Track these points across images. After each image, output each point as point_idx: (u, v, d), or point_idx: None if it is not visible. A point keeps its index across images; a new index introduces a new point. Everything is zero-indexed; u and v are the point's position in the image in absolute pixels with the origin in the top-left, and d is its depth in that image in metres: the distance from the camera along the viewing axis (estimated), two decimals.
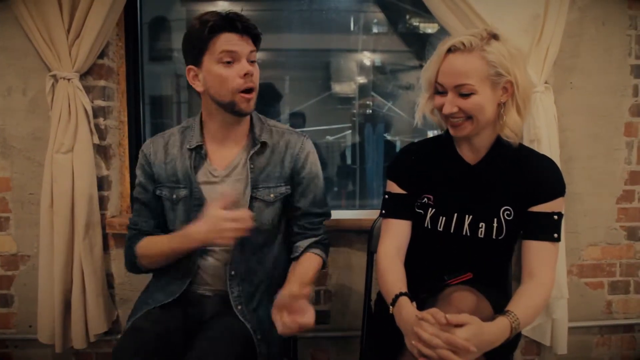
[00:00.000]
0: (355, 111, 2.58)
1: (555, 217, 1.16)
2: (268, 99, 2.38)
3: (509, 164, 1.20)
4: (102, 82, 1.78)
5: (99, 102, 1.78)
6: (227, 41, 1.19)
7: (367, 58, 2.53)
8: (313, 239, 1.37)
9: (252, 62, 1.24)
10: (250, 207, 1.29)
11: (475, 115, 1.12)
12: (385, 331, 1.20)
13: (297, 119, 2.54)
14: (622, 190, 1.91)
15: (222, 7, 2.39)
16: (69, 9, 1.62)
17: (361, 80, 2.56)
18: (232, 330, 1.21)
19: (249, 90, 1.24)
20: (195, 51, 1.22)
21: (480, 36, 1.11)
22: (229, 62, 1.20)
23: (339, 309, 1.93)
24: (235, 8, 2.45)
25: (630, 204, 1.92)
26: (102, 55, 1.76)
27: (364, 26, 2.51)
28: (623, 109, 1.88)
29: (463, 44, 1.10)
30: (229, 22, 1.19)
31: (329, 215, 1.44)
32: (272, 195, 1.31)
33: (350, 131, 2.60)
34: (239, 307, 1.27)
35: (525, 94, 1.13)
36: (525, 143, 1.65)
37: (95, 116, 1.75)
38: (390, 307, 1.13)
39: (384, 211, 1.30)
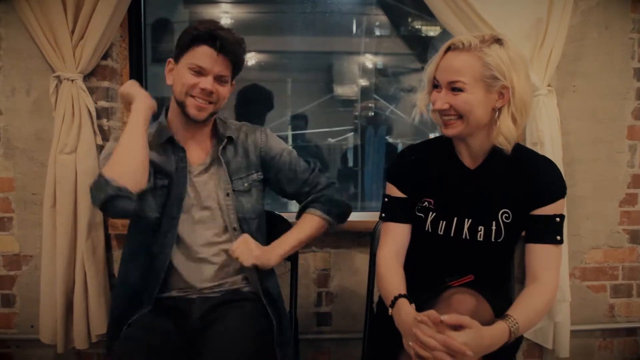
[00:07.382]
0: (357, 113, 2.58)
1: (557, 219, 1.16)
2: (259, 104, 2.38)
3: (509, 167, 1.19)
4: (105, 83, 1.79)
5: (103, 103, 1.79)
6: (203, 55, 1.25)
7: (370, 61, 2.53)
8: (310, 198, 1.44)
9: (221, 81, 1.29)
10: (232, 201, 1.35)
11: (464, 114, 1.12)
12: (387, 333, 1.19)
13: (300, 121, 2.54)
14: (625, 194, 1.91)
15: (224, 9, 2.39)
16: (73, 10, 1.63)
17: (363, 82, 2.56)
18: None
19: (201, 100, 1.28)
20: (179, 49, 1.30)
21: (482, 38, 1.11)
22: (196, 72, 1.26)
23: (341, 311, 1.93)
24: (238, 10, 2.47)
25: (633, 207, 1.92)
26: (105, 56, 1.76)
27: (366, 29, 2.50)
28: (626, 113, 1.88)
29: (462, 43, 1.11)
30: (211, 38, 1.24)
31: (316, 165, 1.49)
32: (246, 185, 1.39)
33: (352, 133, 2.59)
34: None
35: (522, 102, 1.11)
36: (528, 146, 1.65)
37: (98, 117, 1.76)
38: (390, 308, 1.13)
39: (383, 214, 1.30)
